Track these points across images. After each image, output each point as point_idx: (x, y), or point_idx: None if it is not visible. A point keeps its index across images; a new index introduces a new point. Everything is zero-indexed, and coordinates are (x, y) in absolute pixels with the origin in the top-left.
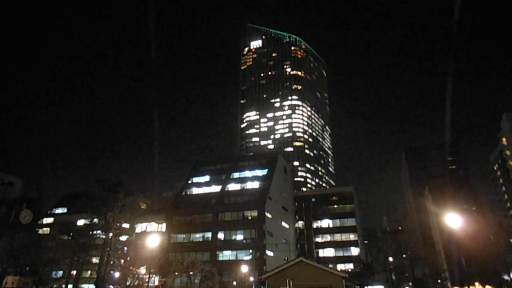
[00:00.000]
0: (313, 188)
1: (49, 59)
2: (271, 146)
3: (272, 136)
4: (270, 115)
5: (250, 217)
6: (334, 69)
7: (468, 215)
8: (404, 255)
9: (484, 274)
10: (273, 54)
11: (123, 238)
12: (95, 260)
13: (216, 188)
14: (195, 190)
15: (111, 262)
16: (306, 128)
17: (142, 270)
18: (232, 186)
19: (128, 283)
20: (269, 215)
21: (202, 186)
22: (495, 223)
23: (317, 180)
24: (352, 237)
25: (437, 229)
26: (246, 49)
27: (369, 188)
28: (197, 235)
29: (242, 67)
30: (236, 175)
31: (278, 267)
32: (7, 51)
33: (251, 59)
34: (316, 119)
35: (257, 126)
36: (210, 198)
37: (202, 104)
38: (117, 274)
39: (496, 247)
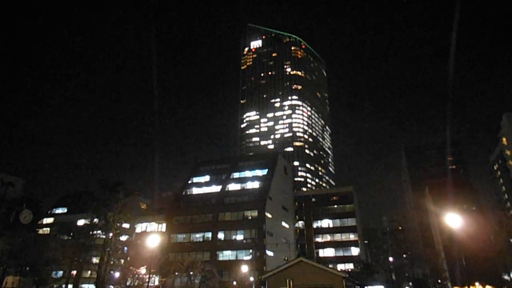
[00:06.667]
0: (313, 188)
1: (49, 58)
2: (271, 146)
3: (272, 136)
4: (270, 115)
5: (250, 217)
6: (334, 69)
7: (468, 215)
8: (404, 255)
9: (484, 274)
10: (273, 54)
11: (123, 238)
12: (95, 260)
13: (216, 188)
14: (195, 190)
15: (111, 262)
16: (306, 128)
17: (142, 270)
18: (232, 186)
19: (128, 283)
20: (269, 215)
21: (202, 186)
22: (495, 223)
23: (317, 180)
24: (352, 237)
25: (437, 229)
26: (246, 49)
27: (369, 188)
28: (197, 235)
29: (242, 67)
30: (236, 175)
31: (278, 267)
32: (7, 51)
33: (251, 59)
34: (316, 119)
35: (257, 126)
36: (210, 198)
37: (202, 104)
38: (117, 274)
39: (496, 247)
